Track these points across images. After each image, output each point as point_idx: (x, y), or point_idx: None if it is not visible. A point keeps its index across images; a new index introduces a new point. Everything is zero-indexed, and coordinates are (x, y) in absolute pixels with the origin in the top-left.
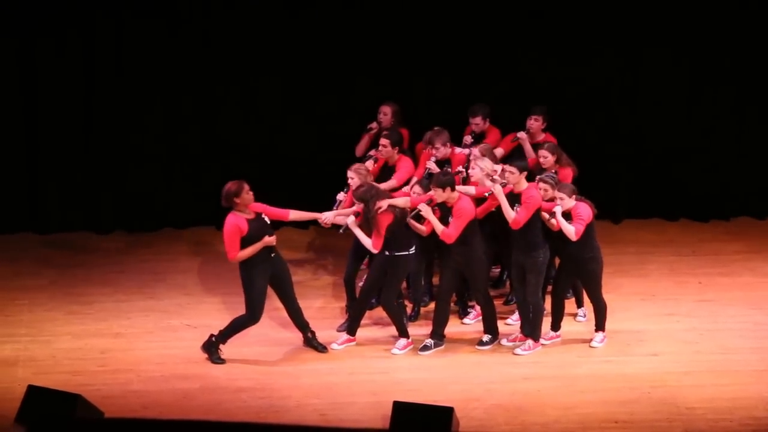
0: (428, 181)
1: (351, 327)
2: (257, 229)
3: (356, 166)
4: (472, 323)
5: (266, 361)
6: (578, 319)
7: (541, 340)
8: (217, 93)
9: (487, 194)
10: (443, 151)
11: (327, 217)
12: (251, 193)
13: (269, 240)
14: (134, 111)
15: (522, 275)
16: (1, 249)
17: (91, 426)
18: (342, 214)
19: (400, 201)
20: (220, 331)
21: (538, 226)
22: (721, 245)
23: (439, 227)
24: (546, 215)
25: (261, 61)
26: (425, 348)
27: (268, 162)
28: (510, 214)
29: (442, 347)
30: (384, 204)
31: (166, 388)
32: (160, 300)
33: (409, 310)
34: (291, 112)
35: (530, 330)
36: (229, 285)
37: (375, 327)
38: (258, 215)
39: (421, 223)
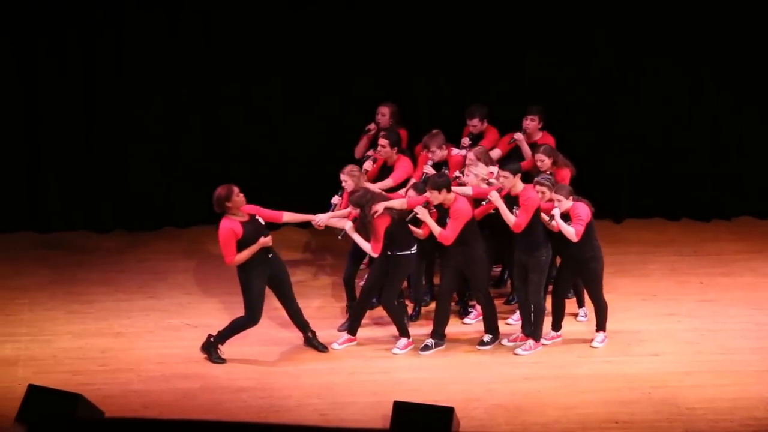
0: (423, 184)
1: (352, 327)
2: (252, 231)
3: (349, 168)
4: (472, 323)
5: (267, 361)
6: (579, 319)
7: (542, 340)
8: (217, 92)
9: (484, 202)
10: (439, 154)
11: (321, 219)
12: (242, 195)
13: (265, 241)
14: (134, 110)
15: (524, 275)
16: (2, 248)
17: (92, 425)
18: (336, 217)
19: (396, 203)
20: (219, 332)
21: (539, 226)
22: (723, 245)
23: (436, 230)
24: (546, 217)
25: (262, 61)
26: (426, 348)
27: (269, 161)
28: (510, 219)
29: (443, 347)
30: (380, 207)
31: (166, 388)
32: (160, 299)
33: (410, 309)
34: (291, 111)
35: (531, 330)
36: (229, 284)
37: (376, 327)
38: (252, 217)
39: (419, 227)
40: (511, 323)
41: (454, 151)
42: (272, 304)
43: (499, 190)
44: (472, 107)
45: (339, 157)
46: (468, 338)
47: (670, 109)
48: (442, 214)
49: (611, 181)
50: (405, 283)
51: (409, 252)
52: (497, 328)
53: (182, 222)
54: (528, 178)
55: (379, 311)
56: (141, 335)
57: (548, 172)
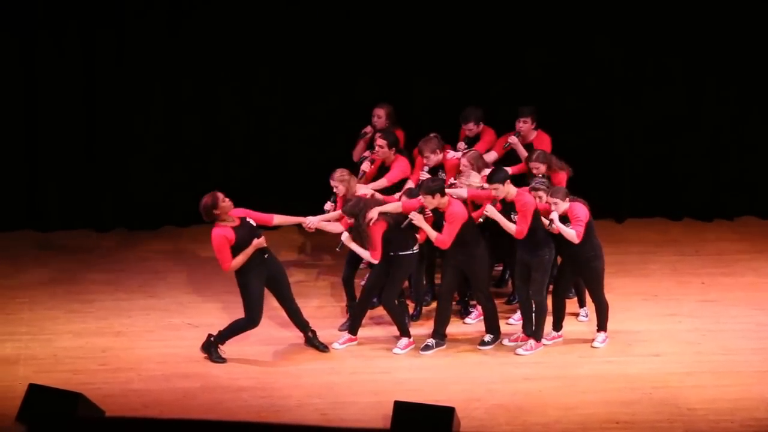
0: (417, 189)
1: (352, 326)
2: (244, 234)
3: (338, 174)
4: (473, 323)
5: (267, 361)
6: (580, 319)
7: (543, 340)
8: (217, 91)
9: (481, 219)
10: (434, 158)
11: (311, 221)
12: (228, 200)
13: (259, 242)
14: (135, 108)
15: (526, 274)
16: (2, 247)
17: (92, 425)
18: (326, 220)
19: (391, 207)
20: (219, 332)
21: (540, 226)
22: (725, 245)
23: (432, 234)
24: (546, 221)
25: (262, 61)
26: (427, 348)
27: (268, 161)
28: (511, 228)
29: (444, 347)
30: (374, 213)
31: (167, 387)
32: (161, 299)
33: (411, 309)
34: (291, 111)
35: (532, 330)
36: (229, 284)
37: (376, 326)
38: (242, 220)
39: (415, 232)
40: (512, 323)
41: (450, 154)
42: (272, 304)
43: (494, 202)
44: (466, 111)
45: (338, 158)
46: (469, 338)
47: (672, 108)
48: (438, 217)
49: (613, 181)
50: (406, 283)
51: (410, 252)
52: (498, 328)
53: (182, 221)
54: (525, 179)
55: (380, 311)
56: (141, 334)
57: (543, 176)
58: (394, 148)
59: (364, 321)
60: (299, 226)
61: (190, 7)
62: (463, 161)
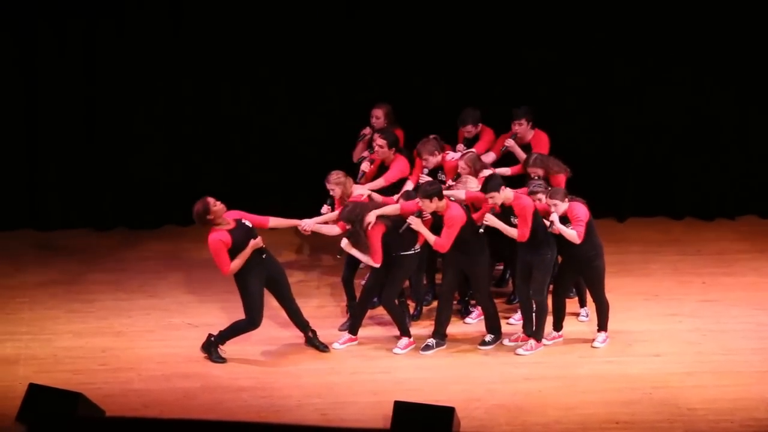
0: (415, 192)
1: (353, 326)
2: (241, 236)
3: (333, 177)
4: (474, 323)
5: (267, 361)
6: (581, 319)
7: (543, 341)
8: (218, 90)
9: (481, 230)
10: (432, 161)
11: (307, 224)
12: (219, 203)
13: (255, 243)
14: (136, 107)
15: (528, 273)
16: (2, 246)
17: (92, 425)
18: (322, 222)
19: (389, 209)
20: (220, 332)
21: (541, 226)
22: (727, 244)
23: (431, 238)
24: (547, 222)
25: (264, 60)
26: (427, 348)
27: (270, 160)
28: (512, 233)
29: (444, 347)
30: (372, 217)
31: (167, 387)
32: (161, 298)
33: (411, 309)
34: (293, 111)
35: (532, 330)
36: (230, 284)
37: (377, 326)
38: (238, 222)
39: (414, 235)
40: (513, 323)
41: (449, 156)
42: (272, 304)
43: (492, 210)
44: (464, 114)
45: (339, 159)
46: (469, 338)
47: (674, 107)
48: (437, 219)
49: (614, 180)
50: (407, 283)
51: (412, 252)
52: (499, 328)
53: (183, 220)
54: (526, 179)
55: (380, 311)
56: (142, 334)
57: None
58: (393, 148)
59: (364, 321)
60: (296, 228)
61: (191, 7)
62: (461, 164)
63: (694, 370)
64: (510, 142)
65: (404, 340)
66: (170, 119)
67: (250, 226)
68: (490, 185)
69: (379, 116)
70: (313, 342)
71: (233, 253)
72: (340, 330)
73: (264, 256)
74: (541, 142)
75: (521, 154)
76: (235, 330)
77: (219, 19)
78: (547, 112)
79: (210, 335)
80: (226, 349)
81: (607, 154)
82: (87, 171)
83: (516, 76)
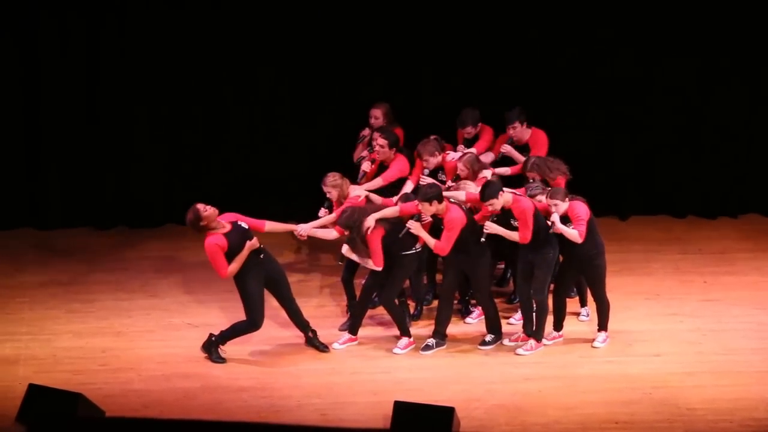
0: (413, 195)
1: (353, 326)
2: (237, 238)
3: (330, 179)
4: (474, 323)
5: (267, 361)
6: (581, 319)
7: (544, 341)
8: (220, 89)
9: (483, 239)
10: (433, 161)
11: (303, 229)
12: (210, 207)
13: (251, 244)
14: (136, 106)
15: (529, 272)
16: (2, 245)
17: (92, 425)
18: (318, 227)
19: (389, 212)
20: (221, 332)
21: (543, 225)
22: (728, 243)
23: (431, 242)
24: (548, 223)
25: (265, 60)
26: (427, 348)
27: (270, 160)
28: (514, 237)
29: (444, 347)
30: (371, 221)
31: (167, 387)
32: (161, 298)
33: (412, 309)
34: (295, 111)
35: (533, 330)
36: (231, 284)
37: (377, 326)
38: (234, 224)
39: (414, 239)
40: (513, 323)
41: (449, 156)
42: (272, 304)
43: (492, 218)
44: (463, 115)
45: (339, 159)
46: (469, 338)
47: (677, 105)
48: (436, 222)
49: (617, 178)
50: (407, 283)
51: (413, 251)
52: (499, 327)
53: (184, 219)
54: (525, 180)
55: (380, 311)
56: (142, 334)
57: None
58: (394, 148)
59: (364, 321)
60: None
61: (193, 6)
62: (460, 165)
63: (694, 369)
64: (506, 148)
65: (404, 340)
66: (171, 119)
67: (246, 227)
68: (487, 192)
69: (378, 116)
70: (313, 342)
71: (230, 255)
72: (340, 330)
73: (261, 256)
74: (539, 141)
75: (519, 158)
76: (236, 331)
77: (220, 20)
78: (548, 110)
79: (211, 335)
80: (226, 349)
81: (609, 152)
82: (87, 170)
83: (516, 75)
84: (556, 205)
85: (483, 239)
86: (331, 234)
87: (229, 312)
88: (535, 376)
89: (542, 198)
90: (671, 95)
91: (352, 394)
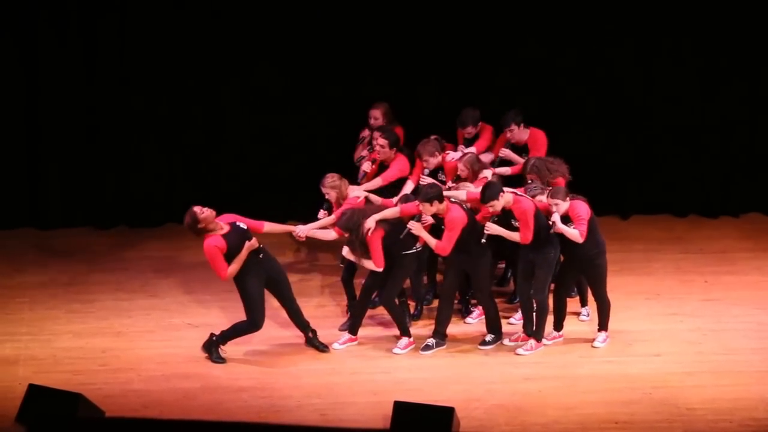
0: (413, 195)
1: (352, 326)
2: (235, 239)
3: (328, 181)
4: (474, 322)
5: (267, 361)
6: (581, 318)
7: (544, 340)
8: (221, 88)
9: (484, 240)
10: (433, 161)
11: (302, 230)
12: (207, 209)
13: (250, 245)
14: (137, 105)
15: (530, 272)
16: (1, 245)
17: (92, 425)
18: (317, 228)
19: (389, 213)
20: (222, 332)
21: (544, 225)
22: (730, 243)
23: (432, 242)
24: (549, 222)
25: (265, 59)
26: (427, 347)
27: (271, 159)
28: (515, 237)
29: (444, 347)
30: (371, 223)
31: (167, 388)
32: (161, 298)
33: (412, 309)
34: (295, 111)
35: (533, 330)
36: (231, 284)
37: (377, 326)
38: (232, 225)
39: (415, 240)
40: (513, 323)
41: (449, 156)
42: (272, 304)
43: (492, 218)
44: (463, 116)
45: (340, 159)
46: (470, 338)
47: (679, 104)
48: (437, 221)
49: (618, 177)
50: (407, 283)
51: (413, 251)
52: (500, 327)
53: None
54: (524, 180)
55: (380, 311)
56: (142, 335)
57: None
58: (395, 148)
59: (364, 321)
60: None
61: (193, 7)
62: (460, 166)
63: (694, 369)
64: (504, 152)
65: (404, 340)
66: (171, 118)
67: (245, 228)
68: (488, 194)
69: (377, 117)
70: (313, 342)
71: (229, 256)
72: (340, 330)
73: (261, 256)
74: (538, 141)
75: (518, 160)
76: (236, 331)
77: (220, 19)
78: (549, 109)
79: (212, 334)
80: (227, 349)
81: (610, 151)
82: (87, 170)
83: (517, 74)
84: (557, 204)
85: (484, 240)
86: (330, 235)
87: (229, 312)
88: (535, 376)
89: (542, 198)
90: (672, 94)
91: (352, 394)
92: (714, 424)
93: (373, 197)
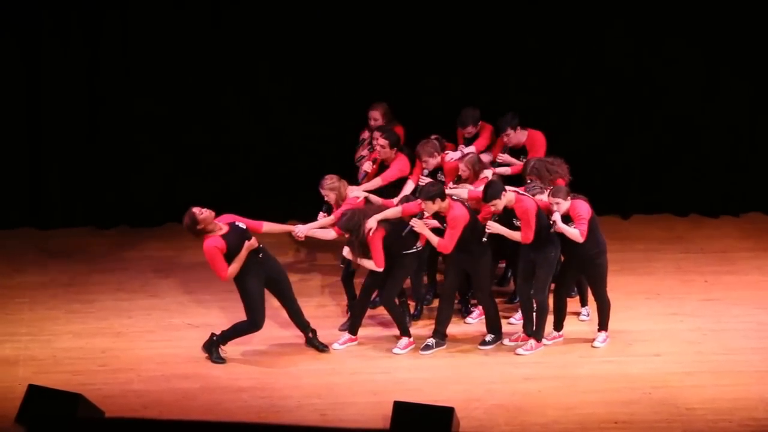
0: (414, 196)
1: (352, 326)
2: (235, 239)
3: (327, 182)
4: (474, 322)
5: (267, 361)
6: (581, 318)
7: (544, 340)
8: (222, 87)
9: (485, 239)
10: (432, 162)
11: (301, 230)
12: (205, 210)
13: (250, 245)
14: (137, 105)
15: (531, 271)
16: (2, 245)
17: (92, 425)
18: (316, 228)
19: (391, 213)
20: (222, 332)
21: (545, 224)
22: (730, 242)
23: (434, 240)
24: (550, 222)
25: (266, 59)
26: (427, 347)
27: (272, 159)
28: (516, 236)
29: (444, 347)
30: (372, 223)
31: (166, 388)
32: (162, 298)
33: (412, 308)
34: (296, 111)
35: (533, 330)
36: (231, 283)
37: (377, 326)
38: (231, 225)
39: (416, 238)
40: (513, 323)
41: (448, 156)
42: (272, 304)
43: (494, 217)
44: (463, 116)
45: (340, 159)
46: (469, 338)
47: (679, 103)
48: (439, 220)
49: (619, 176)
50: (407, 282)
51: (414, 250)
52: (500, 327)
53: None
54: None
55: (380, 310)
56: (142, 335)
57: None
58: (395, 148)
59: (364, 321)
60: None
61: (194, 7)
62: (461, 166)
63: (694, 369)
64: (503, 157)
65: (404, 340)
66: (171, 119)
67: (244, 228)
68: (489, 193)
69: (376, 117)
70: (313, 342)
71: (229, 257)
72: (340, 330)
73: (261, 256)
74: (537, 142)
75: (518, 163)
76: (237, 331)
77: (221, 20)
78: (549, 109)
79: (213, 334)
80: (227, 349)
81: (611, 151)
82: (88, 169)
83: (517, 74)
84: (557, 203)
85: (485, 239)
86: (330, 234)
87: (229, 312)
88: (535, 376)
89: (543, 197)
90: (673, 94)
91: (351, 395)
92: (714, 424)
93: (373, 197)
